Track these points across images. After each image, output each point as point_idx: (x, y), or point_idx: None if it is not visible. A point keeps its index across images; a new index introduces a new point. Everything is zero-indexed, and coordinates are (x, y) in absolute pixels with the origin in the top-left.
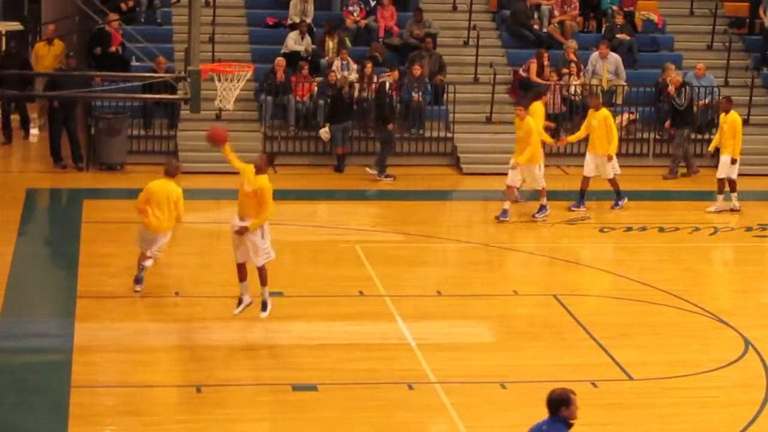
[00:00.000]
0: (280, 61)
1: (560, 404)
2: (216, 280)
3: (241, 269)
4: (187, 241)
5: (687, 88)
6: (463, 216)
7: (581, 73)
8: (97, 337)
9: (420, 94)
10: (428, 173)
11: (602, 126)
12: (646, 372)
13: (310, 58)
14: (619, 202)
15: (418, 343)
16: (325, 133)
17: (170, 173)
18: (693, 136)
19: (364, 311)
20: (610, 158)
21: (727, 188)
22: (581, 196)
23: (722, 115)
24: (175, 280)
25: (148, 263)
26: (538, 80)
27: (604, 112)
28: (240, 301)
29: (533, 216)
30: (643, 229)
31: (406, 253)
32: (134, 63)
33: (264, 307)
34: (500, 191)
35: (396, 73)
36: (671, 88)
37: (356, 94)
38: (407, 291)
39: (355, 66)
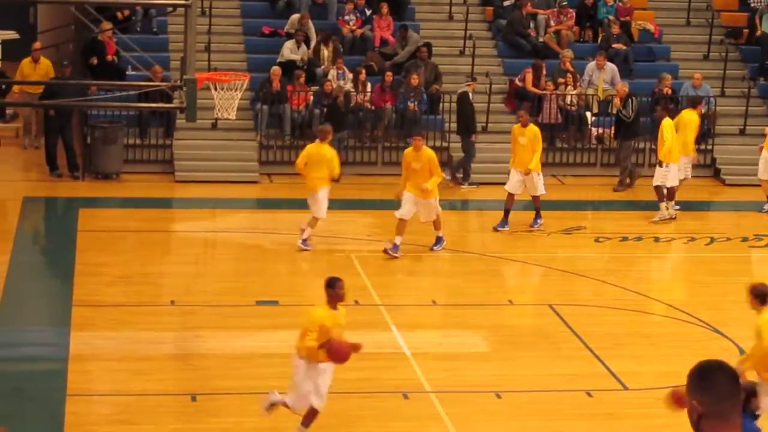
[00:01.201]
0: (276, 70)
1: (749, 396)
2: (211, 289)
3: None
4: (182, 250)
5: (633, 99)
6: (457, 225)
7: (577, 83)
8: (93, 346)
9: (415, 103)
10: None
11: (530, 143)
12: (640, 382)
13: (306, 67)
14: (538, 221)
15: (413, 352)
16: None
17: (321, 137)
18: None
19: (360, 320)
20: (527, 173)
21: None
22: (506, 215)
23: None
24: (170, 288)
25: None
26: (534, 90)
27: (533, 129)
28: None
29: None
30: (639, 239)
31: (401, 263)
32: (130, 72)
33: None
34: (497, 201)
35: (475, 84)
36: (617, 101)
37: (352, 102)
38: (402, 300)
39: (350, 75)
